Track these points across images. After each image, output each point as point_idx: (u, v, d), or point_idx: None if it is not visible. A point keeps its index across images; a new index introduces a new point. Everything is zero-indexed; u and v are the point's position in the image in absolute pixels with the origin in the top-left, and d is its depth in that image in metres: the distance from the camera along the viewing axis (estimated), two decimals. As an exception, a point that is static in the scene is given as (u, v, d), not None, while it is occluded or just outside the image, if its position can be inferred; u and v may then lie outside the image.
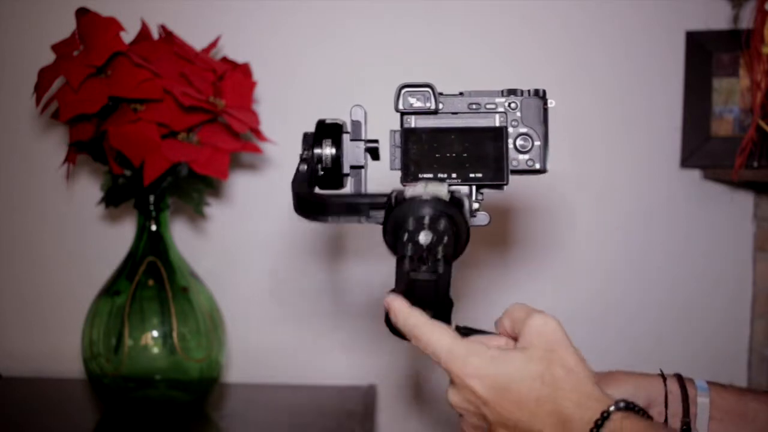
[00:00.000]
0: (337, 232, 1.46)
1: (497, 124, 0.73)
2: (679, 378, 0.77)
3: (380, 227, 0.69)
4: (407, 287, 0.64)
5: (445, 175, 0.71)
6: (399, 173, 0.72)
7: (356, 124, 0.71)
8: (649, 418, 0.60)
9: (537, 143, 0.72)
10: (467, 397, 0.64)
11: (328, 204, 0.68)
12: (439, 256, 0.62)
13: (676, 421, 0.75)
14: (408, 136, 0.72)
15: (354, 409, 1.32)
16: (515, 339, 0.66)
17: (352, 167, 0.74)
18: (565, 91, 1.44)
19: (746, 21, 1.31)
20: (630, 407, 0.59)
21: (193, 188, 1.27)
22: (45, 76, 1.18)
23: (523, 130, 0.72)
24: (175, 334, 1.26)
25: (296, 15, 1.45)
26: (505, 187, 0.72)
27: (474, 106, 0.73)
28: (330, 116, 1.50)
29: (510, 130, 0.72)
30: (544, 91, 0.74)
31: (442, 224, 0.62)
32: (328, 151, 0.71)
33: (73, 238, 1.49)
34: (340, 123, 0.72)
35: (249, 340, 1.46)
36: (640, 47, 1.43)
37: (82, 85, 1.15)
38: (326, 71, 1.45)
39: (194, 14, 1.43)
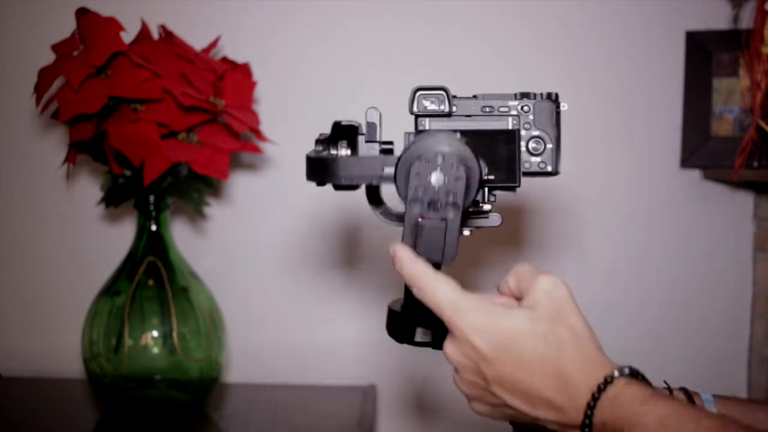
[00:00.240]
0: (338, 232, 1.46)
1: (510, 127, 0.73)
2: (685, 391, 0.76)
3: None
4: (415, 232, 0.63)
5: None
6: None
7: (371, 126, 0.71)
8: (652, 387, 0.58)
9: (549, 146, 0.73)
10: (466, 352, 0.61)
11: (340, 163, 0.68)
12: (451, 200, 0.62)
13: None
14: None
15: (354, 409, 1.32)
16: (519, 299, 0.64)
17: None
18: (566, 91, 1.42)
19: (746, 21, 1.31)
20: (634, 374, 0.58)
21: (193, 188, 1.27)
22: (45, 76, 1.18)
23: (536, 132, 0.73)
24: (175, 334, 1.26)
25: (296, 15, 1.45)
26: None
27: (487, 109, 0.73)
28: (330, 116, 1.50)
29: (522, 132, 0.73)
30: (557, 95, 0.75)
31: (456, 167, 0.62)
32: (343, 152, 0.71)
33: (73, 238, 1.49)
34: (356, 125, 0.72)
35: (249, 340, 1.46)
36: (640, 47, 1.43)
37: (82, 85, 1.15)
38: (326, 71, 1.45)
39: (194, 14, 1.43)
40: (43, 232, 1.49)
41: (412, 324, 0.72)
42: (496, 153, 0.71)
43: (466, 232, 0.73)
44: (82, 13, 1.19)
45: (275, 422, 1.29)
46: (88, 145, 1.22)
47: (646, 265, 1.45)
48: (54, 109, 1.23)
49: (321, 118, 1.45)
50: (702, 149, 1.40)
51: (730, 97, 1.39)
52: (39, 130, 1.48)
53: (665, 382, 0.75)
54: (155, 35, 1.27)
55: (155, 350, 1.26)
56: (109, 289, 1.28)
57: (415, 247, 0.64)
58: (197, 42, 1.29)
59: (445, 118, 0.73)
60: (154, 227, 1.28)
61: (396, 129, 0.75)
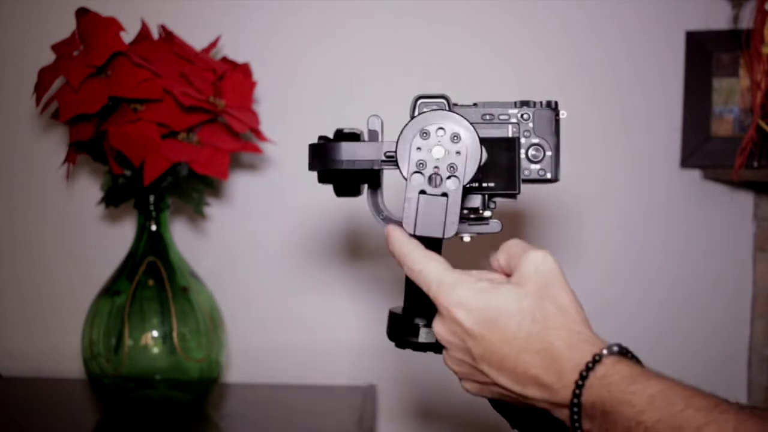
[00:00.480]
0: (338, 232, 1.46)
1: (510, 135, 0.74)
2: None
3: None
4: (416, 207, 0.64)
5: None
6: None
7: (373, 134, 0.71)
8: (642, 365, 0.58)
9: (548, 153, 0.74)
10: (452, 329, 0.61)
11: (342, 148, 0.69)
12: (452, 174, 0.63)
13: None
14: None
15: (354, 409, 1.32)
16: (509, 276, 0.64)
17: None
18: (565, 91, 1.44)
19: (746, 21, 1.31)
20: (623, 352, 0.57)
21: (193, 188, 1.27)
22: (45, 76, 1.18)
23: (535, 140, 0.73)
24: (175, 334, 1.26)
25: (296, 15, 1.45)
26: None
27: (487, 117, 0.74)
28: (330, 116, 1.51)
29: (522, 140, 0.74)
30: (556, 103, 0.75)
31: (456, 141, 0.64)
32: None
33: (73, 238, 1.49)
34: (358, 132, 0.73)
35: (249, 340, 1.46)
36: (640, 47, 1.43)
37: (82, 85, 1.15)
38: (326, 71, 1.45)
39: (194, 14, 1.43)
40: (43, 232, 1.49)
41: (413, 328, 0.72)
42: (497, 160, 0.72)
43: (467, 238, 0.73)
44: (82, 13, 1.19)
45: (275, 422, 1.29)
46: (88, 145, 1.22)
47: (646, 265, 1.45)
48: (54, 109, 1.23)
49: (321, 118, 1.46)
50: (702, 149, 1.40)
51: (730, 97, 1.39)
52: (39, 130, 1.48)
53: None
54: (155, 35, 1.27)
55: (155, 350, 1.26)
56: (109, 289, 1.28)
57: (415, 222, 0.65)
58: (197, 42, 1.29)
59: None
60: (154, 227, 1.28)
61: (396, 129, 0.75)
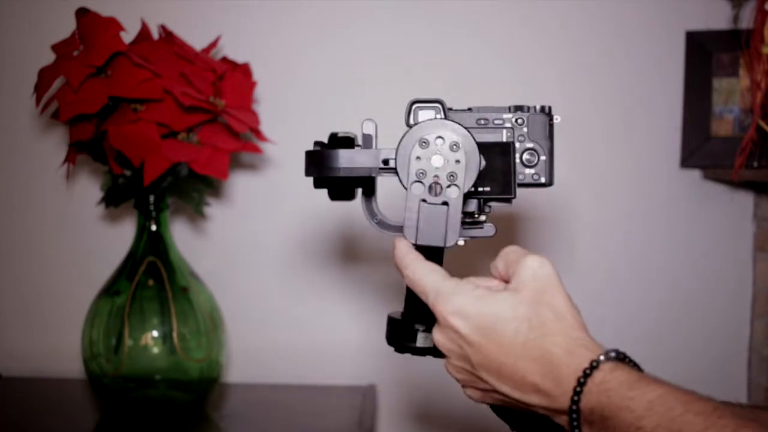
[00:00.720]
0: (338, 232, 1.46)
1: (504, 139, 0.74)
2: None
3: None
4: (417, 216, 0.65)
5: None
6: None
7: (367, 138, 0.72)
8: (640, 370, 0.58)
9: (543, 158, 0.74)
10: (451, 337, 0.61)
11: (340, 155, 0.69)
12: (452, 183, 0.64)
13: None
14: None
15: (354, 409, 1.32)
16: (508, 282, 0.64)
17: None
18: (565, 91, 1.44)
19: (746, 21, 1.31)
20: (620, 357, 0.57)
21: (193, 188, 1.27)
22: (45, 76, 1.18)
23: (530, 145, 0.73)
24: (175, 334, 1.26)
25: (296, 15, 1.45)
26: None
27: (482, 122, 0.74)
28: (330, 116, 1.51)
29: (517, 145, 0.74)
30: (549, 108, 0.75)
31: (456, 150, 0.65)
32: None
33: (73, 238, 1.49)
34: (352, 136, 0.73)
35: (249, 340, 1.46)
36: (640, 47, 1.43)
37: (82, 85, 1.15)
38: (326, 71, 1.45)
39: (194, 14, 1.43)
40: (43, 232, 1.49)
41: (412, 333, 0.72)
42: (492, 165, 0.72)
43: (461, 242, 0.74)
44: (82, 13, 1.19)
45: (275, 422, 1.29)
46: (88, 145, 1.22)
47: (646, 265, 1.45)
48: (54, 109, 1.23)
49: (321, 118, 1.46)
50: (702, 149, 1.40)
51: (730, 97, 1.39)
52: (39, 130, 1.48)
53: None
54: (155, 35, 1.27)
55: (155, 350, 1.26)
56: (109, 289, 1.28)
57: (416, 231, 0.65)
58: (197, 42, 1.29)
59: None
60: (154, 227, 1.28)
61: (396, 129, 0.75)
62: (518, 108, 0.74)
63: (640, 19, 1.43)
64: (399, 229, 0.72)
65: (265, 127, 1.31)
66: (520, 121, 0.74)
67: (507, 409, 0.68)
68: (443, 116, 0.72)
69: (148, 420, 1.25)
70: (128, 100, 1.17)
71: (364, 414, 1.30)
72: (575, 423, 0.55)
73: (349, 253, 1.48)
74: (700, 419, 0.51)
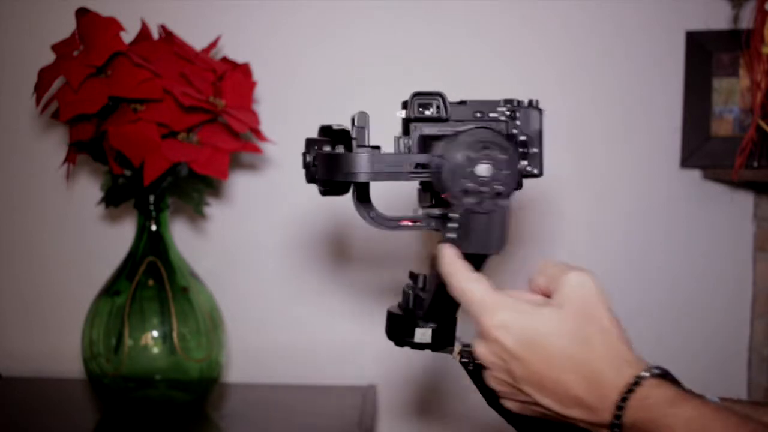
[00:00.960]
0: (338, 232, 1.46)
1: (511, 132, 0.74)
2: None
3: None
4: (466, 225, 0.65)
5: None
6: None
7: (360, 130, 0.71)
8: (682, 387, 0.58)
9: (534, 150, 0.74)
10: (494, 350, 0.62)
11: (365, 159, 0.68)
12: (499, 190, 0.65)
13: None
14: (426, 142, 0.72)
15: (354, 409, 1.32)
16: (549, 297, 0.64)
17: None
18: (565, 91, 1.44)
19: (746, 21, 1.31)
20: (663, 374, 0.58)
21: (193, 188, 1.27)
22: (45, 76, 1.18)
23: (523, 137, 0.73)
24: (175, 334, 1.26)
25: (296, 15, 1.45)
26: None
27: (478, 114, 0.74)
28: (330, 116, 1.50)
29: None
30: (537, 101, 0.76)
31: (500, 157, 0.65)
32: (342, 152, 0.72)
33: (73, 238, 1.49)
34: (347, 129, 0.73)
35: (249, 340, 1.46)
36: (640, 47, 1.43)
37: (82, 85, 1.15)
38: (326, 71, 1.45)
39: (194, 14, 1.43)
40: (43, 232, 1.49)
41: (411, 327, 0.73)
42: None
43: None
44: (82, 13, 1.19)
45: (275, 422, 1.29)
46: (88, 145, 1.22)
47: (646, 265, 1.45)
48: (54, 109, 1.23)
49: (321, 118, 1.45)
50: (702, 149, 1.40)
51: (730, 97, 1.39)
52: (39, 130, 1.48)
53: None
54: (155, 35, 1.27)
55: (155, 350, 1.26)
56: (109, 289, 1.28)
57: (465, 240, 0.66)
58: (197, 42, 1.29)
59: (438, 124, 0.73)
60: (154, 227, 1.28)
61: (396, 129, 0.75)
62: (508, 101, 0.75)
63: (640, 19, 1.43)
64: (395, 222, 0.73)
65: (265, 127, 1.31)
66: (512, 114, 0.74)
67: (522, 418, 0.69)
68: (445, 110, 0.73)
69: (148, 420, 1.25)
70: (128, 100, 1.17)
71: (364, 414, 1.30)
72: None
73: (349, 253, 1.48)
74: None
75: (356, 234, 1.45)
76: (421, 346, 0.74)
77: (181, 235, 1.44)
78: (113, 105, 1.18)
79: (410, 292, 0.75)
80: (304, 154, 0.73)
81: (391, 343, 0.76)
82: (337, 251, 1.47)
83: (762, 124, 1.23)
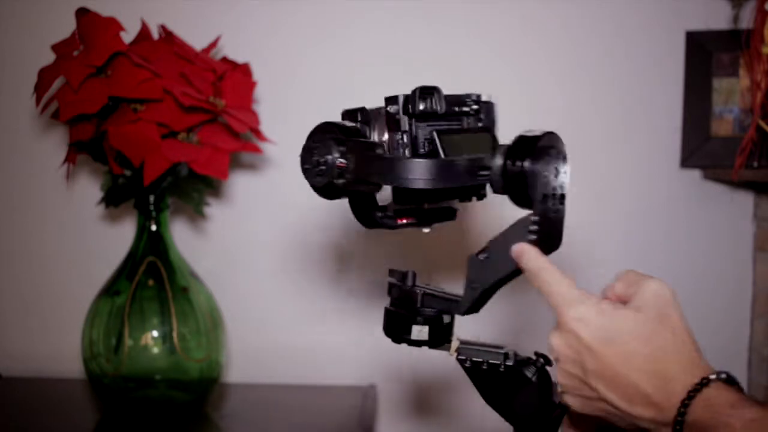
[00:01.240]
0: (338, 232, 1.46)
1: (479, 125, 0.77)
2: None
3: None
4: (545, 225, 0.69)
5: None
6: None
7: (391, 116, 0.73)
8: (744, 394, 0.61)
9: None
10: (570, 342, 0.64)
11: (432, 164, 0.68)
12: (563, 191, 0.70)
13: None
14: (440, 137, 0.73)
15: (354, 409, 1.32)
16: (624, 303, 0.67)
17: None
18: (565, 91, 1.44)
19: (746, 21, 1.31)
20: (729, 380, 0.60)
21: (193, 188, 1.27)
22: (45, 76, 1.18)
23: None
24: (175, 334, 1.26)
25: (296, 15, 1.45)
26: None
27: (455, 109, 0.75)
28: (330, 116, 1.50)
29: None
30: (489, 95, 0.80)
31: (566, 161, 0.69)
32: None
33: (73, 238, 1.49)
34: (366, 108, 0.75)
35: (249, 340, 1.46)
36: (640, 47, 1.43)
37: (82, 85, 1.15)
38: (326, 71, 1.45)
39: (194, 14, 1.43)
40: (43, 232, 1.49)
41: (408, 324, 0.74)
42: (487, 149, 0.74)
43: (426, 230, 0.76)
44: (82, 13, 1.19)
45: (275, 422, 1.29)
46: (88, 145, 1.22)
47: (646, 265, 1.43)
48: (54, 109, 1.23)
49: (321, 118, 1.44)
50: (702, 149, 1.40)
51: (730, 97, 1.39)
52: (39, 130, 1.48)
53: None
54: (155, 35, 1.27)
55: (155, 350, 1.26)
56: (109, 289, 1.28)
57: (544, 240, 0.69)
58: (197, 42, 1.29)
59: (431, 118, 0.73)
60: (154, 227, 1.28)
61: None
62: (467, 96, 0.77)
63: (640, 19, 1.43)
64: (394, 222, 0.75)
65: (265, 127, 1.31)
66: (478, 107, 0.77)
67: (510, 409, 0.72)
68: (443, 103, 0.73)
69: (148, 420, 1.25)
70: (128, 100, 1.17)
71: (364, 414, 1.30)
72: None
73: (349, 253, 1.47)
74: None
75: (356, 234, 1.45)
76: (418, 343, 0.75)
77: (181, 235, 1.44)
78: (113, 105, 1.18)
79: (417, 290, 0.75)
80: (328, 153, 0.72)
81: (391, 343, 0.76)
82: (338, 251, 1.47)
83: (762, 124, 1.23)
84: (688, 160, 1.41)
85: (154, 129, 1.16)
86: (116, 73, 1.16)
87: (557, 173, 0.68)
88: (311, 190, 0.78)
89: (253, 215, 1.47)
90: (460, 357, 0.75)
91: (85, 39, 1.18)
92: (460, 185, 0.70)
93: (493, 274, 0.71)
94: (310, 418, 1.30)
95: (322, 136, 0.73)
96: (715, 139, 1.39)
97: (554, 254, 0.73)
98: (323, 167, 0.72)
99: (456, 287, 0.76)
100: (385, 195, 0.74)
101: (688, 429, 0.58)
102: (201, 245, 1.46)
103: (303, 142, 0.75)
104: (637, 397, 0.61)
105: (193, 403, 1.29)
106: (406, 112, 0.72)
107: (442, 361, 0.77)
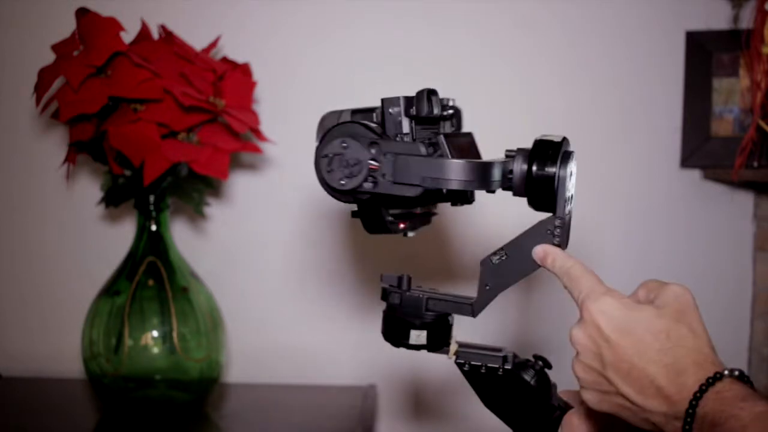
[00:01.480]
0: (338, 233, 1.46)
1: (458, 131, 0.79)
2: None
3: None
4: (563, 225, 0.71)
5: None
6: None
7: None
8: (755, 390, 0.62)
9: None
10: (591, 334, 0.65)
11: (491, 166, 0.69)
12: (573, 193, 0.71)
13: None
14: (448, 140, 0.73)
15: (354, 409, 1.32)
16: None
17: None
18: (565, 91, 1.44)
19: (746, 21, 1.31)
20: (741, 377, 0.62)
21: (193, 188, 1.27)
22: (45, 76, 1.18)
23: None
24: (175, 334, 1.26)
25: (296, 15, 1.45)
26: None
27: (442, 113, 0.76)
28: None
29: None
30: (454, 101, 0.79)
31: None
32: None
33: (73, 238, 1.49)
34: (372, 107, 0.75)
35: (249, 340, 1.46)
36: (640, 47, 1.43)
37: (82, 85, 1.15)
38: (326, 71, 1.45)
39: (194, 14, 1.43)
40: (43, 232, 1.49)
41: (407, 328, 0.74)
42: (474, 155, 0.76)
43: (411, 234, 0.77)
44: (82, 13, 1.19)
45: (275, 422, 1.29)
46: (88, 145, 1.22)
47: (646, 265, 1.45)
48: (54, 109, 1.23)
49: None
50: (702, 149, 1.40)
51: (730, 97, 1.39)
52: (39, 130, 1.48)
53: None
54: (155, 35, 1.27)
55: (155, 350, 1.26)
56: (109, 289, 1.28)
57: (565, 240, 0.71)
58: (197, 42, 1.29)
59: (426, 121, 0.74)
60: (154, 227, 1.28)
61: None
62: (447, 100, 0.76)
63: (640, 19, 1.43)
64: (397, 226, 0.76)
65: (265, 127, 1.31)
66: (452, 112, 0.77)
67: (510, 413, 0.73)
68: (440, 107, 0.73)
69: (148, 420, 1.25)
70: (128, 100, 1.17)
71: (364, 414, 1.30)
72: (687, 427, 0.60)
73: (349, 253, 1.47)
74: None
75: (357, 234, 1.45)
76: (416, 348, 0.75)
77: (181, 235, 1.44)
78: (113, 105, 1.18)
79: (421, 295, 0.75)
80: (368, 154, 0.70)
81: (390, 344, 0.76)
82: (338, 251, 1.47)
83: (762, 124, 1.23)
84: (688, 160, 1.41)
85: (154, 129, 1.16)
86: (116, 73, 1.16)
87: (572, 176, 0.69)
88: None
89: (253, 215, 1.47)
90: (458, 361, 0.75)
91: (85, 39, 1.18)
92: (493, 188, 0.70)
93: (510, 276, 0.73)
94: (310, 418, 1.30)
95: (350, 137, 0.70)
96: (715, 139, 1.39)
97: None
98: (353, 169, 0.70)
99: (456, 287, 0.77)
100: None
101: (699, 421, 0.60)
102: (201, 245, 1.47)
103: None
104: (650, 390, 0.62)
105: (193, 403, 1.29)
106: (409, 114, 0.71)
107: (442, 361, 0.77)
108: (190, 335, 1.26)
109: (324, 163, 0.70)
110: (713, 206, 1.44)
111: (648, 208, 1.45)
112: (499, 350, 0.75)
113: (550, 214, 0.70)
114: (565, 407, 0.76)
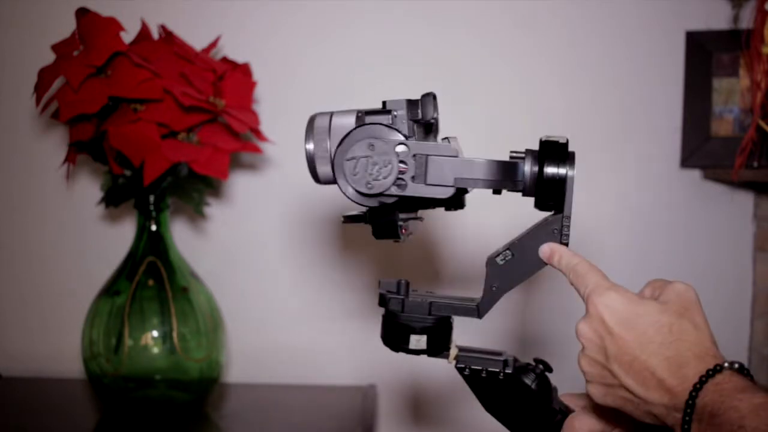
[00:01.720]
0: (338, 233, 1.46)
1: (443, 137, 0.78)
2: None
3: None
4: (568, 225, 0.72)
5: None
6: None
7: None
8: (755, 382, 0.63)
9: None
10: (595, 327, 0.66)
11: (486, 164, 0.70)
12: None
13: None
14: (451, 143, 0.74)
15: (354, 409, 1.32)
16: None
17: None
18: (565, 91, 1.44)
19: (746, 21, 1.31)
20: (741, 370, 0.62)
21: (193, 188, 1.27)
22: (45, 76, 1.18)
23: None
24: (175, 334, 1.26)
25: (296, 15, 1.45)
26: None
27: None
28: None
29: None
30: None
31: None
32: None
33: (73, 238, 1.49)
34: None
35: (249, 340, 1.46)
36: (640, 47, 1.43)
37: (82, 85, 1.15)
38: (326, 71, 1.45)
39: (194, 14, 1.43)
40: (43, 232, 1.49)
41: (407, 333, 0.74)
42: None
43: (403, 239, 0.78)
44: (82, 13, 1.19)
45: (275, 422, 1.29)
46: (88, 145, 1.22)
47: (646, 265, 1.45)
48: (54, 109, 1.23)
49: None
50: (702, 149, 1.40)
51: (730, 97, 1.39)
52: (39, 130, 1.48)
53: None
54: (155, 35, 1.27)
55: (155, 350, 1.26)
56: (109, 289, 1.28)
57: (566, 239, 0.73)
58: (197, 42, 1.29)
59: (425, 125, 0.74)
60: (154, 227, 1.28)
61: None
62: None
63: (640, 19, 1.43)
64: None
65: (265, 127, 1.31)
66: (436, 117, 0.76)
67: (508, 414, 0.74)
68: (438, 110, 0.73)
69: (148, 420, 1.25)
70: (128, 100, 1.17)
71: (364, 414, 1.30)
72: (687, 418, 0.61)
73: (350, 254, 1.47)
74: None
75: (357, 234, 1.45)
76: (416, 352, 0.75)
77: (181, 235, 1.44)
78: (113, 105, 1.18)
79: (424, 299, 0.75)
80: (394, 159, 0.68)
81: (390, 343, 0.76)
82: (338, 251, 1.47)
83: (762, 124, 1.23)
84: (688, 160, 1.41)
85: (154, 129, 1.16)
86: (116, 73, 1.16)
87: (574, 175, 0.70)
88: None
89: (253, 215, 1.47)
90: (459, 365, 0.75)
91: (85, 39, 1.18)
92: (519, 188, 0.72)
93: (516, 275, 0.73)
94: (310, 418, 1.30)
95: (377, 138, 0.68)
96: (715, 139, 1.39)
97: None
98: (383, 171, 0.68)
99: (472, 292, 0.77)
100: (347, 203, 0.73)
101: (699, 412, 0.60)
102: (201, 245, 1.47)
103: (303, 142, 0.74)
104: (652, 382, 0.63)
105: (193, 403, 1.29)
106: (413, 117, 0.71)
107: (442, 362, 0.77)
108: (190, 335, 1.26)
109: (349, 167, 0.68)
110: (713, 206, 1.44)
111: (648, 208, 1.45)
112: (499, 354, 0.75)
113: (550, 213, 0.70)
114: (566, 411, 0.76)
